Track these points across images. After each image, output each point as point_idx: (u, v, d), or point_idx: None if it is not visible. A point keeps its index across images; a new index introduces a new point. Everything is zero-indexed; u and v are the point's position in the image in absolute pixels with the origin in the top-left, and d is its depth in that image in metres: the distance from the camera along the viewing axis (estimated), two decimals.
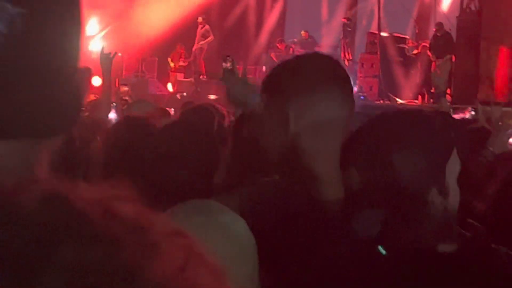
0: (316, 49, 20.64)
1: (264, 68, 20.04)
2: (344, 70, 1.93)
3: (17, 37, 0.87)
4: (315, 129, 1.85)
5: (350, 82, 1.92)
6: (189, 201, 1.58)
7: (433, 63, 17.07)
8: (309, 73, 1.87)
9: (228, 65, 5.05)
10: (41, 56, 0.90)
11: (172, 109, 10.13)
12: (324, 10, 23.03)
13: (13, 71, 0.87)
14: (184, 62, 20.30)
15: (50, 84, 0.90)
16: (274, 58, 19.74)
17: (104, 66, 5.29)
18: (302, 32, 21.17)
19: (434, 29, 17.59)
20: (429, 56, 17.31)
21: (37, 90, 0.89)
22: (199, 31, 20.22)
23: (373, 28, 20.40)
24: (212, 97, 16.63)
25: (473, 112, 6.58)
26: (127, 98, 5.87)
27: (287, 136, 1.86)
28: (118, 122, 2.98)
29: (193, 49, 20.26)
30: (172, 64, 20.33)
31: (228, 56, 5.21)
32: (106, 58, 5.32)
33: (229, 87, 3.06)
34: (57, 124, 0.91)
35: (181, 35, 20.35)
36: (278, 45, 20.82)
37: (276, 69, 1.97)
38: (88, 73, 3.94)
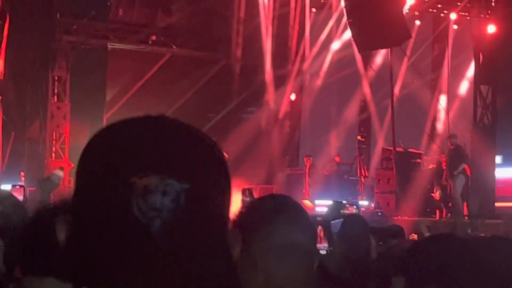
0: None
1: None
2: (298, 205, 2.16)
3: (181, 211, 0.94)
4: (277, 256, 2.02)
5: (304, 214, 2.13)
6: None
7: (448, 178, 17.02)
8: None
9: (246, 198, 5.29)
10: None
11: None
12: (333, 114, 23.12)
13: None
14: None
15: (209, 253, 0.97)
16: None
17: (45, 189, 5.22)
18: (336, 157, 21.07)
19: (448, 142, 17.62)
20: (444, 169, 17.31)
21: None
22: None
23: (387, 144, 20.53)
24: None
25: None
26: None
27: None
28: None
29: None
30: None
31: (247, 189, 5.50)
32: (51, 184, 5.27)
33: None
34: None
35: None
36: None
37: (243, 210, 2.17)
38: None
